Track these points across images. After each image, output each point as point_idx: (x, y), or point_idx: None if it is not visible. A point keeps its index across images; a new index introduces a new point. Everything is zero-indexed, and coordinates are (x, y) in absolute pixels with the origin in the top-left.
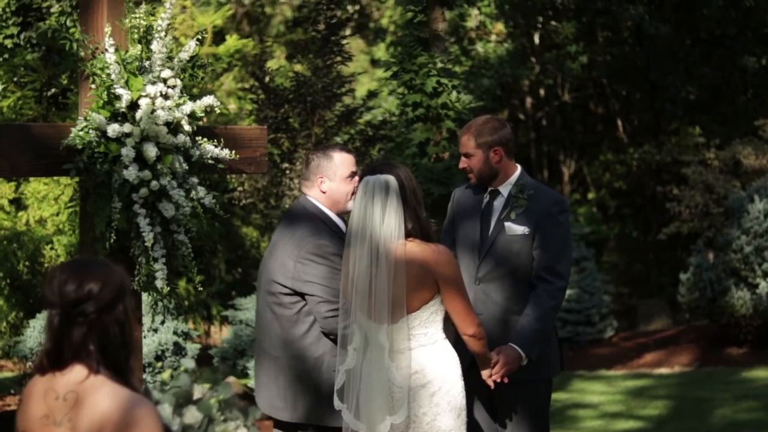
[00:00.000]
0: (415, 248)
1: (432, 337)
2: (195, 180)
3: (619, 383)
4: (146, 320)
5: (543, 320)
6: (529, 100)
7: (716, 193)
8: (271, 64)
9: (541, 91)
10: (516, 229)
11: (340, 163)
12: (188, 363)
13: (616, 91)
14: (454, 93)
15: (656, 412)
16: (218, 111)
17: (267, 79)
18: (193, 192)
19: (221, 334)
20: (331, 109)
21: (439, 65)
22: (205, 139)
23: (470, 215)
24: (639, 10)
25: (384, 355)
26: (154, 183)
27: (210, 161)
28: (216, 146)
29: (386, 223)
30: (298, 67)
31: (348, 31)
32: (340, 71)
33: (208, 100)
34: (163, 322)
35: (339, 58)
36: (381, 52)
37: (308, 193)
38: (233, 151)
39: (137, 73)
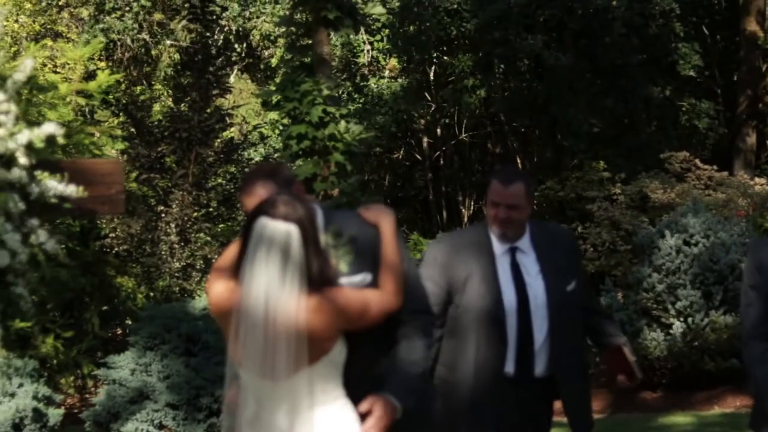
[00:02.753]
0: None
1: (332, 393)
2: (35, 222)
3: None
4: (0, 383)
5: (419, 363)
6: (425, 140)
7: (623, 230)
8: (158, 108)
9: (438, 130)
10: (355, 281)
11: (490, 191)
12: None
13: (514, 128)
14: (343, 123)
15: None
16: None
17: (140, 115)
18: (33, 236)
19: (96, 396)
20: (209, 145)
21: (326, 92)
22: (47, 174)
23: None
24: (537, 40)
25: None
26: None
27: (53, 200)
28: (60, 182)
29: (287, 287)
30: (182, 108)
31: (235, 71)
32: (219, 105)
33: (48, 128)
34: (20, 386)
35: (217, 91)
36: None
37: None
38: (81, 188)
39: None
